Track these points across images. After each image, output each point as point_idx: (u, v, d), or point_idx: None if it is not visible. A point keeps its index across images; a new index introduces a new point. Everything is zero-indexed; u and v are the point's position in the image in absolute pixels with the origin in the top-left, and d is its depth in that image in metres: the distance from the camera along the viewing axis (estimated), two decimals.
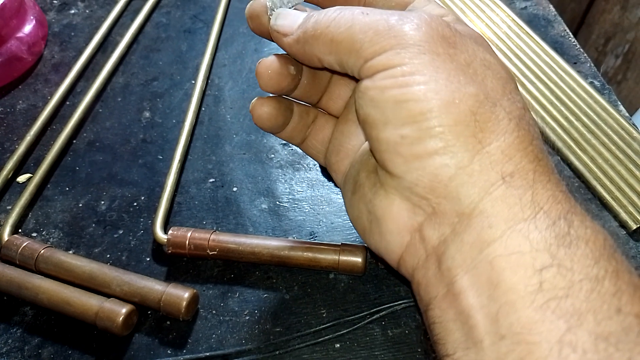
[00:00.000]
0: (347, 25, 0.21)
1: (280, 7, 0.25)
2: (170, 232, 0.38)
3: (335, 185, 0.29)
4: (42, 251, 0.38)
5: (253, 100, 0.26)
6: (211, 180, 0.42)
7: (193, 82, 0.48)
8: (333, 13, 0.22)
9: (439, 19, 0.21)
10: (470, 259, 0.19)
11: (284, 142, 0.44)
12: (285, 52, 0.26)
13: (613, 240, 0.19)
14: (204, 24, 0.53)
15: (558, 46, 0.48)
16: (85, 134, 0.46)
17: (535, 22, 0.50)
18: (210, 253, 0.37)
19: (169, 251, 0.37)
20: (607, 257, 0.18)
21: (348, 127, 0.27)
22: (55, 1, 0.56)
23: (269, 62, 0.24)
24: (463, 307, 0.19)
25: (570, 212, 0.19)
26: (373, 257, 0.36)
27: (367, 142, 0.26)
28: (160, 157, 0.44)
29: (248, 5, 0.26)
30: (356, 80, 0.23)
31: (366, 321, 0.34)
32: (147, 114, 0.47)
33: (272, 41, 0.26)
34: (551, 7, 0.51)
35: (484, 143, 0.19)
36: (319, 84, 0.28)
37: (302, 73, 0.26)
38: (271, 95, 0.27)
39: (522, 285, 0.18)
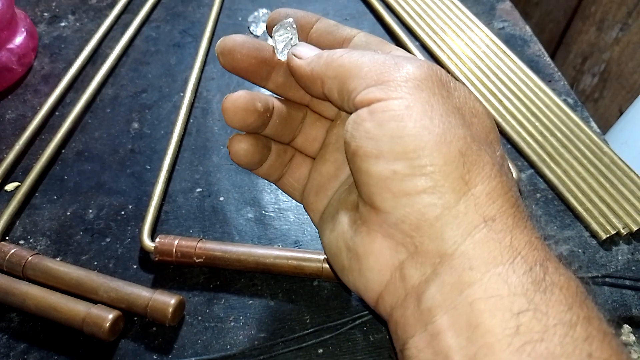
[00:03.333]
0: (359, 56, 0.23)
1: (282, 48, 0.26)
2: (157, 239, 0.38)
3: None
4: (29, 258, 0.38)
5: (230, 137, 0.27)
6: (198, 190, 0.43)
7: (182, 94, 0.49)
8: (347, 49, 0.24)
9: (437, 66, 0.23)
10: (451, 299, 0.19)
11: None
12: (258, 91, 0.27)
13: (584, 287, 0.20)
14: (193, 38, 0.54)
15: (534, 65, 0.50)
16: (74, 144, 0.46)
17: (512, 42, 0.52)
18: (197, 260, 0.37)
19: (156, 259, 0.38)
20: (579, 304, 0.19)
21: (326, 168, 0.27)
22: (45, 14, 0.57)
23: (235, 97, 0.25)
24: (441, 348, 0.19)
25: (546, 259, 0.20)
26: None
27: (345, 180, 0.27)
28: (148, 167, 0.45)
29: (219, 42, 0.26)
30: (347, 112, 0.24)
31: (348, 327, 0.35)
32: (136, 125, 0.48)
33: (243, 77, 0.27)
34: (527, 27, 0.54)
35: (470, 185, 0.20)
36: (291, 124, 0.28)
37: (272, 112, 0.26)
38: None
39: (500, 328, 0.18)
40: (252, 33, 0.54)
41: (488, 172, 0.21)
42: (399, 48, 0.26)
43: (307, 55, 0.25)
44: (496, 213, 0.20)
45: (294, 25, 0.27)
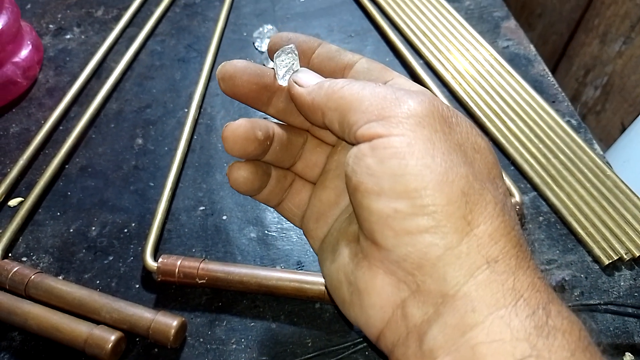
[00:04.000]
0: (359, 89, 0.23)
1: (283, 74, 0.26)
2: (160, 260, 0.38)
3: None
4: (32, 277, 0.38)
5: (230, 164, 0.27)
6: (201, 208, 0.43)
7: (186, 110, 0.49)
8: (348, 80, 0.24)
9: (439, 99, 0.23)
10: (452, 341, 0.19)
11: None
12: (257, 117, 0.27)
13: (587, 331, 0.20)
14: (198, 53, 0.54)
15: (537, 85, 0.51)
16: (77, 160, 0.47)
17: (517, 61, 0.52)
18: (200, 282, 0.37)
19: (159, 279, 0.38)
20: (582, 349, 0.18)
21: (327, 195, 0.27)
22: (51, 26, 0.57)
23: (235, 126, 0.24)
24: None
25: (548, 301, 0.20)
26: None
27: (346, 208, 0.27)
28: (152, 184, 0.45)
29: (220, 67, 0.26)
30: (348, 143, 0.24)
31: (350, 351, 0.35)
32: (140, 141, 0.48)
33: (244, 103, 0.27)
34: (532, 47, 0.54)
35: (472, 225, 0.20)
36: (291, 150, 0.28)
37: (272, 139, 0.26)
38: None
39: None
40: (257, 49, 0.54)
41: (490, 212, 0.21)
42: (401, 75, 0.26)
43: (308, 82, 0.25)
44: (499, 254, 0.20)
45: (296, 51, 0.27)
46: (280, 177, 0.29)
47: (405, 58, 0.52)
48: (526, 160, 0.45)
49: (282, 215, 0.30)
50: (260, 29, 0.54)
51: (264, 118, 0.27)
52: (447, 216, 0.20)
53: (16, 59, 0.50)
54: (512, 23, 0.56)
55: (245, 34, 0.56)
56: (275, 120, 0.28)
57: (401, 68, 0.52)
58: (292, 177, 0.29)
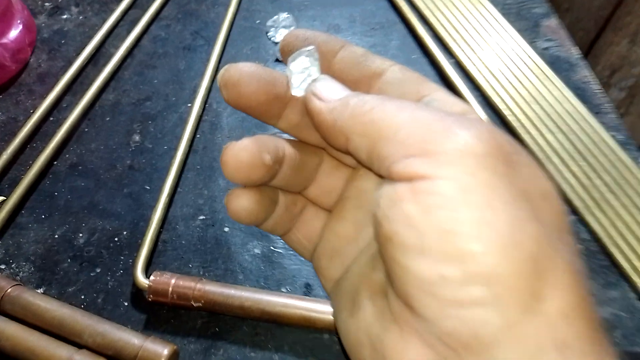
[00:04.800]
0: (396, 111, 0.18)
1: (299, 83, 0.22)
2: (152, 277, 0.34)
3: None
4: (9, 290, 0.34)
5: (230, 192, 0.21)
6: (201, 217, 0.39)
7: (189, 105, 0.45)
8: (381, 97, 0.19)
9: (498, 130, 0.18)
10: None
11: None
12: (264, 134, 0.22)
13: None
14: (206, 41, 0.49)
15: (580, 93, 0.45)
16: (67, 156, 0.42)
17: (558, 65, 0.47)
18: (195, 305, 0.33)
19: (150, 299, 0.34)
20: None
21: (344, 229, 0.22)
22: (47, 3, 0.53)
23: (237, 149, 0.19)
24: None
25: None
26: None
27: (367, 246, 0.22)
28: (148, 188, 0.40)
29: (223, 72, 0.21)
30: (378, 175, 0.19)
31: None
32: (137, 138, 0.43)
33: (250, 115, 0.22)
34: (575, 49, 0.48)
35: (540, 299, 0.15)
36: (304, 172, 0.23)
37: (283, 162, 0.22)
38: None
39: None
40: (269, 39, 0.49)
41: (564, 282, 0.16)
42: (440, 88, 0.21)
43: (329, 95, 0.21)
44: (573, 338, 0.16)
45: (316, 55, 0.22)
46: (290, 203, 0.24)
47: (433, 56, 0.47)
48: (566, 180, 0.40)
49: (289, 246, 0.25)
50: (275, 17, 0.49)
51: (273, 134, 0.23)
52: (509, 288, 0.15)
53: (4, 40, 0.46)
54: (553, 21, 0.51)
55: (258, 22, 0.51)
56: (286, 136, 0.24)
57: (428, 67, 0.47)
58: (303, 203, 0.25)
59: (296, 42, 0.22)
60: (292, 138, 0.24)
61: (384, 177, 0.18)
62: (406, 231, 0.16)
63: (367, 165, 0.20)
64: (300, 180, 0.24)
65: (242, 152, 0.20)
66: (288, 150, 0.22)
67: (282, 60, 0.23)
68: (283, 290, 0.35)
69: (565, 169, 0.41)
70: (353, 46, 0.23)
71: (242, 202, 0.21)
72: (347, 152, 0.20)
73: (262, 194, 0.22)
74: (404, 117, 0.18)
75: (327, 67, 0.23)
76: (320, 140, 0.24)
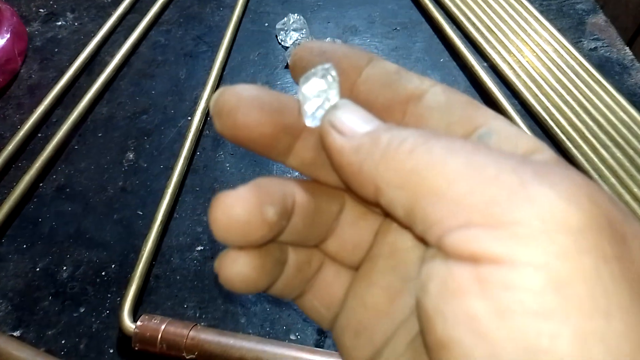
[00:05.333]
0: (446, 155, 0.13)
1: (315, 110, 0.16)
2: (139, 322, 0.29)
3: None
4: None
5: (221, 253, 0.16)
6: (199, 248, 0.34)
7: (189, 118, 0.40)
8: (424, 134, 0.14)
9: (594, 183, 0.12)
10: None
11: None
12: (268, 177, 0.16)
13: None
14: (209, 47, 0.45)
15: (636, 100, 0.39)
16: (54, 177, 0.38)
17: (608, 68, 0.41)
18: (187, 357, 0.28)
19: (136, 347, 0.29)
20: None
21: (373, 297, 0.17)
22: (41, 10, 0.49)
23: (230, 202, 0.15)
24: None
25: None
26: None
27: (404, 323, 0.17)
28: (140, 213, 0.36)
29: (216, 96, 0.16)
30: (420, 238, 0.14)
31: None
32: (131, 156, 0.39)
33: (249, 149, 0.16)
34: (627, 49, 0.42)
35: None
36: (320, 222, 0.18)
37: (292, 213, 0.16)
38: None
39: None
40: (280, 43, 0.44)
41: None
42: (498, 115, 0.16)
43: (353, 128, 0.15)
44: None
45: (334, 74, 0.17)
46: (302, 261, 0.18)
47: (465, 59, 0.42)
48: (626, 203, 0.34)
49: (303, 311, 0.20)
50: (285, 19, 0.44)
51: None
52: None
53: None
54: (600, 18, 0.45)
55: (266, 25, 0.46)
56: (297, 174, 0.18)
57: (459, 71, 0.42)
58: (319, 261, 0.19)
59: (310, 57, 0.17)
60: (304, 177, 0.19)
61: (431, 244, 0.13)
62: (471, 340, 0.11)
63: (405, 224, 0.14)
64: (316, 233, 0.18)
65: (237, 207, 0.14)
66: (300, 196, 0.17)
67: (293, 77, 0.18)
68: (292, 337, 0.30)
69: (624, 189, 0.35)
70: (382, 61, 0.17)
71: (238, 268, 0.16)
72: (377, 205, 0.15)
73: (264, 255, 0.16)
74: (459, 164, 0.13)
75: (350, 89, 0.17)
76: (341, 181, 0.18)
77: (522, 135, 0.15)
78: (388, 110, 0.17)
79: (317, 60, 0.17)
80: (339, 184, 0.18)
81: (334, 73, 0.16)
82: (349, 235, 0.18)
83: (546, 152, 0.14)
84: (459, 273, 0.12)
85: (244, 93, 0.16)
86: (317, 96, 0.16)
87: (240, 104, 0.16)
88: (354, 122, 0.15)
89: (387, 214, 0.15)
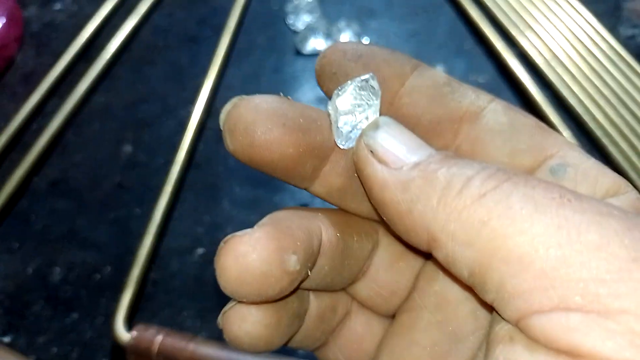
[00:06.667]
0: (529, 208, 0.10)
1: (351, 129, 0.13)
2: (134, 332, 0.27)
3: None
4: None
5: (227, 307, 0.13)
6: (200, 251, 0.32)
7: (191, 108, 0.37)
8: (495, 172, 0.11)
9: None
10: None
11: (303, 204, 0.33)
12: (287, 210, 0.13)
13: None
14: (213, 31, 0.42)
15: None
16: (48, 170, 0.36)
17: None
18: None
19: None
20: None
21: (414, 357, 0.14)
22: None
23: (243, 249, 0.12)
24: None
25: None
26: None
27: None
28: (138, 211, 0.33)
29: (228, 108, 0.13)
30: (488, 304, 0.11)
31: None
32: (129, 149, 0.36)
33: (267, 173, 0.14)
34: None
35: None
36: (350, 263, 0.15)
37: (317, 257, 0.14)
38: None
39: None
40: (289, 27, 0.41)
41: None
42: (574, 145, 0.13)
43: (398, 158, 0.12)
44: None
45: (376, 86, 0.13)
46: (326, 309, 0.15)
47: (491, 45, 0.38)
48: None
49: None
50: (296, 1, 0.41)
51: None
52: None
53: None
54: (638, 3, 0.41)
55: (275, 8, 0.43)
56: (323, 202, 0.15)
57: (485, 58, 0.39)
58: (346, 306, 0.16)
59: (342, 62, 0.14)
60: (330, 206, 0.15)
61: (506, 319, 0.11)
62: None
63: (467, 284, 0.11)
64: (345, 276, 0.15)
65: (252, 255, 0.12)
66: (328, 233, 0.14)
67: (325, 91, 0.15)
68: (300, 351, 0.28)
69: None
70: (430, 69, 0.14)
71: (248, 328, 0.13)
72: (429, 254, 0.12)
73: (280, 310, 0.13)
74: (548, 224, 0.10)
75: (390, 102, 0.14)
76: (374, 213, 0.15)
77: (601, 171, 0.12)
78: (436, 130, 0.14)
79: (351, 66, 0.14)
80: (372, 215, 0.15)
81: (375, 85, 0.13)
82: (384, 279, 0.15)
83: (631, 192, 0.12)
84: None
85: (262, 105, 0.13)
86: (353, 112, 0.13)
87: (258, 119, 0.13)
88: (399, 148, 0.12)
89: (446, 269, 0.12)
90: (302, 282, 0.13)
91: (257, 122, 0.13)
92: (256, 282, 0.12)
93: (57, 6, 0.45)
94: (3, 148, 0.37)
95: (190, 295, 0.30)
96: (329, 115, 0.14)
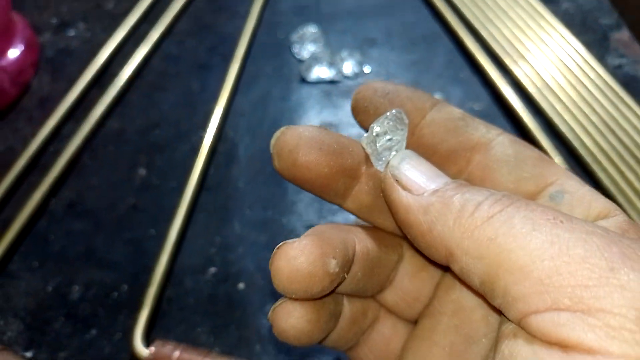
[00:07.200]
0: (527, 228, 0.12)
1: (381, 152, 0.16)
2: (152, 347, 0.29)
3: None
4: None
5: (276, 304, 0.16)
6: (212, 270, 0.33)
7: (202, 133, 0.39)
8: (501, 198, 0.13)
9: None
10: None
11: (310, 225, 0.35)
12: (327, 225, 0.16)
13: None
14: (223, 58, 0.44)
15: None
16: (66, 192, 0.37)
17: (634, 86, 0.40)
18: None
19: None
20: None
21: (434, 357, 0.17)
22: (53, 20, 0.48)
23: (293, 253, 0.15)
24: None
25: None
26: None
27: None
28: (152, 232, 0.35)
29: (278, 135, 0.16)
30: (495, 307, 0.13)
31: None
32: (143, 172, 0.38)
33: (308, 190, 0.16)
34: None
35: None
36: (379, 272, 0.18)
37: (352, 264, 0.16)
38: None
39: None
40: (294, 56, 0.43)
41: None
42: (571, 174, 0.16)
43: (419, 185, 0.15)
44: None
45: (406, 120, 0.16)
46: (357, 313, 0.18)
47: (486, 74, 0.41)
48: None
49: None
50: (301, 31, 0.43)
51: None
52: None
53: (3, 62, 0.41)
54: (624, 34, 0.43)
55: (281, 37, 0.45)
56: (353, 218, 0.18)
57: (481, 87, 0.41)
58: (375, 312, 0.19)
59: (373, 98, 0.17)
60: (362, 223, 0.18)
61: (511, 320, 0.13)
62: None
63: (479, 291, 0.14)
64: (375, 283, 0.18)
65: (300, 258, 0.14)
66: (360, 245, 0.17)
67: (358, 121, 0.18)
68: None
69: None
70: (447, 105, 0.17)
71: (293, 321, 0.16)
72: (446, 266, 0.15)
73: (320, 308, 0.16)
74: (543, 240, 0.12)
75: (412, 132, 0.17)
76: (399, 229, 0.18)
77: (594, 197, 0.14)
78: (452, 157, 0.16)
79: (380, 102, 0.17)
80: (397, 231, 0.18)
81: (405, 119, 0.16)
82: (408, 287, 0.18)
83: (619, 216, 0.14)
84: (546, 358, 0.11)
85: (304, 133, 0.16)
86: (388, 142, 0.16)
87: (300, 144, 0.16)
88: (420, 177, 0.15)
89: (462, 280, 0.14)
90: (339, 284, 0.16)
91: (299, 147, 0.16)
92: (303, 280, 0.14)
93: (71, 33, 0.47)
94: (22, 170, 0.38)
95: (204, 312, 0.32)
96: (365, 142, 0.17)
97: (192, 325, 0.31)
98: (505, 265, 0.12)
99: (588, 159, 0.36)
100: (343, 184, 0.17)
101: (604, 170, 0.35)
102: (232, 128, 0.40)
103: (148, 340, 0.30)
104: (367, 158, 0.17)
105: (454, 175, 0.16)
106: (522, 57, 0.41)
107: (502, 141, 0.16)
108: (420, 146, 0.17)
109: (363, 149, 0.17)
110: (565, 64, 0.41)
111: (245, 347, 0.30)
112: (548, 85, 0.40)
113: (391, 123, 0.16)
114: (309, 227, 0.34)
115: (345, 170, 0.16)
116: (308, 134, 0.16)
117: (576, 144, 0.36)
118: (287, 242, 0.15)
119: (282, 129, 0.16)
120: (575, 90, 0.39)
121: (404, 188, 0.15)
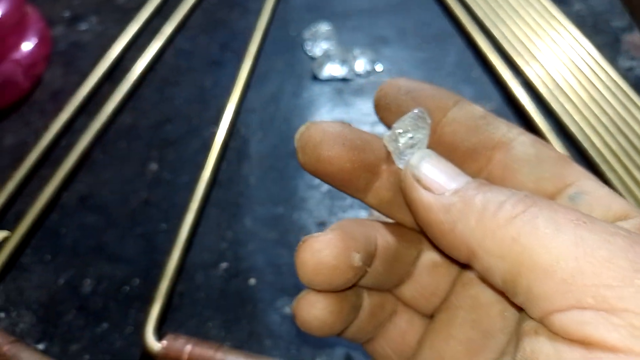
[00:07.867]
0: (551, 229, 0.12)
1: (403, 150, 0.17)
2: (164, 341, 0.29)
3: None
4: (5, 348, 0.30)
5: (300, 295, 0.17)
6: (223, 265, 0.34)
7: (214, 129, 0.39)
8: (523, 198, 0.13)
9: None
10: None
11: (321, 222, 0.35)
12: (350, 220, 0.16)
13: None
14: (235, 54, 0.44)
15: None
16: (77, 187, 0.38)
17: None
18: None
19: None
20: None
21: (451, 350, 0.17)
22: (66, 13, 0.48)
23: (319, 246, 0.15)
24: None
25: None
26: None
27: None
28: (164, 227, 0.35)
29: (302, 130, 0.16)
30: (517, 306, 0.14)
31: None
32: (154, 167, 0.38)
33: (330, 184, 0.17)
34: None
35: None
36: (398, 267, 0.18)
37: (374, 258, 0.17)
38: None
39: None
40: (307, 53, 0.43)
41: None
42: (590, 175, 0.16)
43: (440, 185, 0.15)
44: None
45: (428, 120, 0.17)
46: (376, 306, 0.18)
47: (497, 74, 0.41)
48: None
49: (370, 355, 0.20)
50: (314, 28, 0.43)
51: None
52: None
53: (17, 56, 0.41)
54: (636, 37, 0.43)
55: (294, 34, 0.45)
56: (376, 214, 0.18)
57: (492, 86, 0.41)
58: (393, 305, 0.19)
59: (396, 95, 0.18)
60: (384, 218, 0.18)
61: (533, 317, 0.13)
62: None
63: (500, 289, 0.14)
64: (394, 277, 0.18)
65: (325, 251, 0.15)
66: (381, 240, 0.17)
67: (380, 118, 0.18)
68: None
69: None
70: (469, 104, 0.18)
71: (317, 313, 0.16)
72: (468, 265, 0.15)
73: (342, 300, 0.16)
74: (566, 241, 0.12)
75: (434, 130, 0.17)
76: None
77: (613, 198, 0.15)
78: (473, 155, 0.16)
79: (403, 99, 0.17)
80: (416, 226, 0.18)
81: (428, 119, 0.16)
82: (426, 281, 0.18)
83: (638, 217, 0.14)
84: (570, 357, 0.11)
85: (328, 129, 0.16)
86: (410, 140, 0.16)
87: (324, 139, 0.16)
88: (440, 177, 0.15)
89: (483, 278, 0.14)
90: (361, 277, 0.16)
91: (323, 142, 0.16)
92: (328, 272, 0.15)
93: (84, 26, 0.47)
94: (34, 164, 0.38)
95: (215, 307, 0.32)
96: (387, 140, 0.17)
97: (203, 319, 0.32)
98: (529, 265, 0.13)
99: (598, 159, 0.36)
100: (364, 179, 0.17)
101: (614, 171, 0.35)
102: (244, 124, 0.40)
103: (159, 334, 0.30)
104: (388, 155, 0.17)
105: (474, 174, 0.16)
106: (534, 57, 0.41)
107: (523, 141, 0.16)
108: (441, 144, 0.17)
109: (385, 146, 0.17)
110: (576, 65, 0.41)
111: (256, 341, 0.31)
112: (559, 85, 0.40)
113: (413, 122, 0.16)
114: (319, 223, 0.35)
115: (367, 166, 0.17)
116: (332, 129, 0.16)
117: (586, 144, 0.36)
118: (313, 235, 0.15)
119: (307, 123, 0.16)
120: (586, 91, 0.39)
121: (425, 187, 0.15)
